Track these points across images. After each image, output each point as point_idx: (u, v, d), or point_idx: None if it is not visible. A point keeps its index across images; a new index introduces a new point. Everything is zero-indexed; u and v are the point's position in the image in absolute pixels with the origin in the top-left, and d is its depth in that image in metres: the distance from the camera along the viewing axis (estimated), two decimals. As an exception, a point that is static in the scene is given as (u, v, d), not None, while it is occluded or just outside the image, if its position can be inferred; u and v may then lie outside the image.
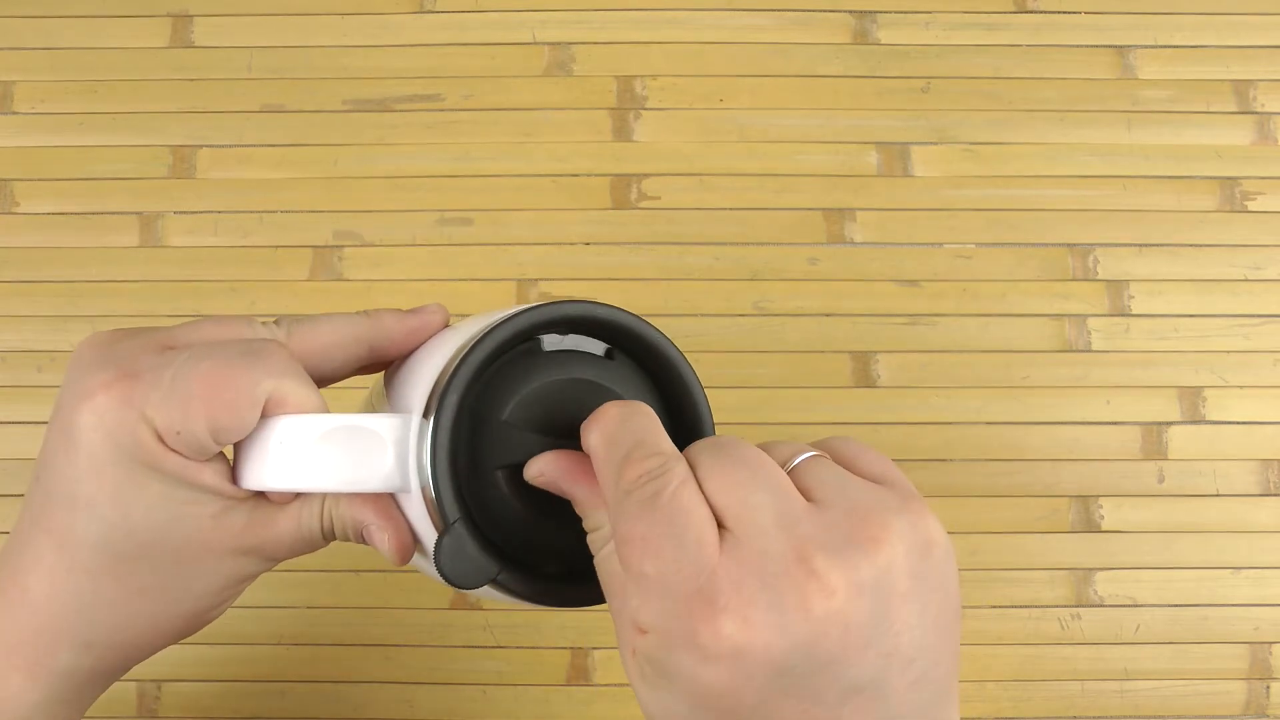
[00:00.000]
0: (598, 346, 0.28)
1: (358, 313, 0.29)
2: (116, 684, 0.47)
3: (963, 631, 0.49)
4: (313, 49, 0.53)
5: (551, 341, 0.28)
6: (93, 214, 0.52)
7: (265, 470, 0.26)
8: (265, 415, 0.26)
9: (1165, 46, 0.54)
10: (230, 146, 0.53)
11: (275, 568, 0.30)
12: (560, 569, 0.27)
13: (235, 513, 0.27)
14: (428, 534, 0.27)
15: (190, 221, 0.52)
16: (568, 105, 0.53)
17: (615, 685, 0.48)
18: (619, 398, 0.27)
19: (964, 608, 0.49)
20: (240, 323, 0.28)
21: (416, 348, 0.30)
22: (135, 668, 0.28)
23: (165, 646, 0.29)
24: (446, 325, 0.30)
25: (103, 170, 0.52)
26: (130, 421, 0.25)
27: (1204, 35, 0.54)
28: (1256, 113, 0.53)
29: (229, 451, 0.28)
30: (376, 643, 0.49)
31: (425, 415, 0.26)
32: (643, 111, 0.53)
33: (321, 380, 0.29)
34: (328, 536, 0.29)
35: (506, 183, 0.52)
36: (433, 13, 0.54)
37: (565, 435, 0.26)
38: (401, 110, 0.53)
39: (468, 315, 0.31)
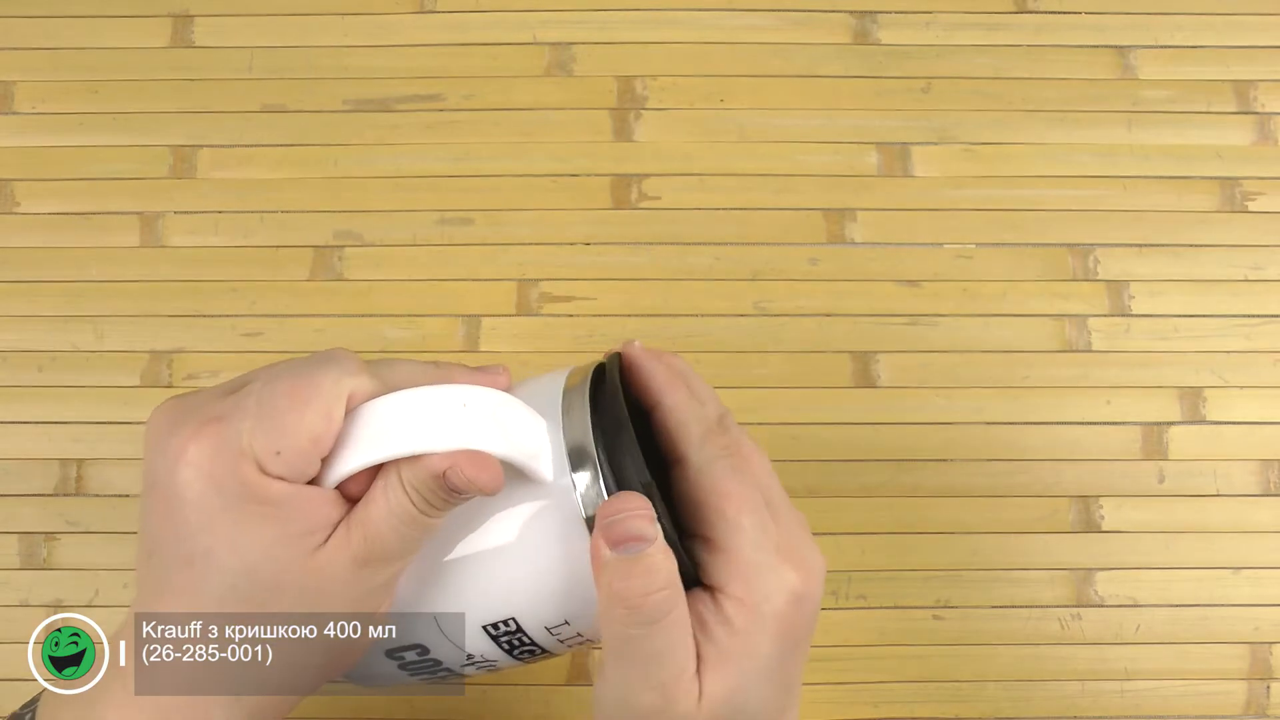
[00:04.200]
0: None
1: (429, 362, 0.29)
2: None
3: (964, 631, 0.49)
4: (313, 49, 0.53)
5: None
6: (93, 214, 0.52)
7: (364, 446, 0.25)
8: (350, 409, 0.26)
9: (1165, 46, 0.54)
10: (230, 146, 0.53)
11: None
12: None
13: (342, 528, 0.27)
14: (555, 534, 0.27)
15: (191, 221, 0.52)
16: (568, 105, 0.53)
17: (615, 685, 0.48)
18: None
19: (965, 607, 0.49)
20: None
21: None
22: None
23: (316, 686, 0.29)
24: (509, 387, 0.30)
25: (103, 170, 0.52)
26: (230, 461, 0.25)
27: (1204, 35, 0.54)
28: (1257, 113, 0.53)
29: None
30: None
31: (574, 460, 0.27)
32: (643, 111, 0.53)
33: None
34: (418, 503, 0.27)
35: (507, 183, 0.52)
36: (433, 13, 0.54)
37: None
38: (402, 110, 0.53)
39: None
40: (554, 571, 0.27)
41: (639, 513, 0.25)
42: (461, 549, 0.28)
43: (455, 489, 0.26)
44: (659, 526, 0.26)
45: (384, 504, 0.26)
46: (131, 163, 0.52)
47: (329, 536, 0.26)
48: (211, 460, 0.25)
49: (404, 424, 0.25)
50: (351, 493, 0.27)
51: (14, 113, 0.53)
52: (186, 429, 0.25)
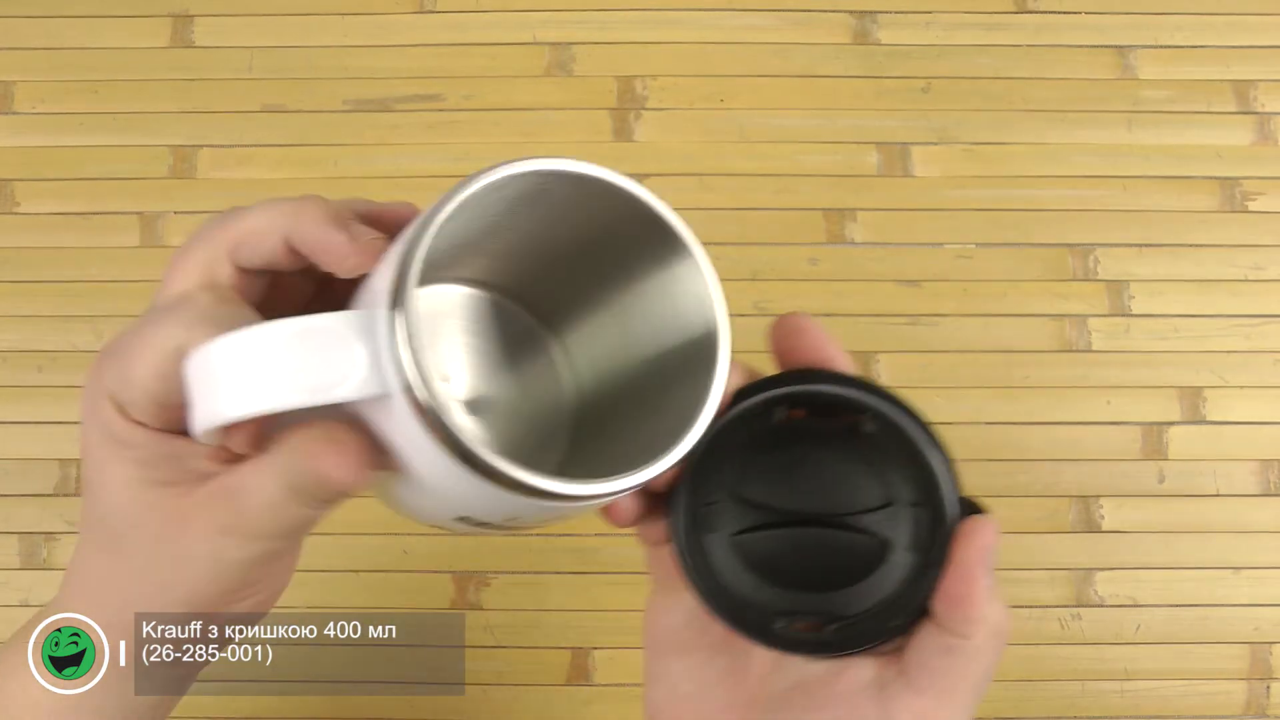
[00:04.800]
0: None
1: (291, 199, 0.26)
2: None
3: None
4: (313, 49, 0.53)
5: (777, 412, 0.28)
6: (93, 214, 0.52)
7: (212, 404, 0.23)
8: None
9: (1165, 46, 0.54)
10: (230, 146, 0.52)
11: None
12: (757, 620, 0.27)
13: (206, 486, 0.26)
14: (411, 444, 0.23)
15: (191, 221, 0.52)
16: (568, 105, 0.53)
17: (615, 685, 0.48)
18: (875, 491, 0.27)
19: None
20: (187, 249, 0.27)
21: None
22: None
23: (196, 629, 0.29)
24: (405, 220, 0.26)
25: (103, 170, 0.52)
26: (99, 399, 0.25)
27: (1204, 35, 0.54)
28: (1256, 113, 0.53)
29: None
30: (377, 643, 0.49)
31: (393, 306, 0.22)
32: (643, 111, 0.53)
33: (258, 270, 0.27)
34: (297, 501, 0.26)
35: (507, 183, 0.52)
36: (433, 13, 0.54)
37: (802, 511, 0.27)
38: (402, 110, 0.53)
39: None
40: (456, 477, 0.23)
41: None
42: (396, 469, 0.26)
43: (322, 485, 0.25)
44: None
45: (258, 481, 0.25)
46: (131, 163, 0.52)
47: (188, 491, 0.26)
48: (91, 395, 0.25)
49: (212, 386, 0.23)
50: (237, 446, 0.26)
51: (14, 113, 0.53)
52: (96, 361, 0.26)
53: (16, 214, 0.52)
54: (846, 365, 0.28)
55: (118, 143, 0.53)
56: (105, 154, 0.52)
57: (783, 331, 0.29)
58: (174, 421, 0.25)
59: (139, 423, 0.25)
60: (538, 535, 0.49)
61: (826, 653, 0.27)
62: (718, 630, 0.28)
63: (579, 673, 0.48)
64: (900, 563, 0.27)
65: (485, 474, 0.23)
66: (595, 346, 0.31)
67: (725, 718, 0.28)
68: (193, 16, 0.54)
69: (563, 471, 0.24)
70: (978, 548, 0.25)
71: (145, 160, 0.52)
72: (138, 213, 0.52)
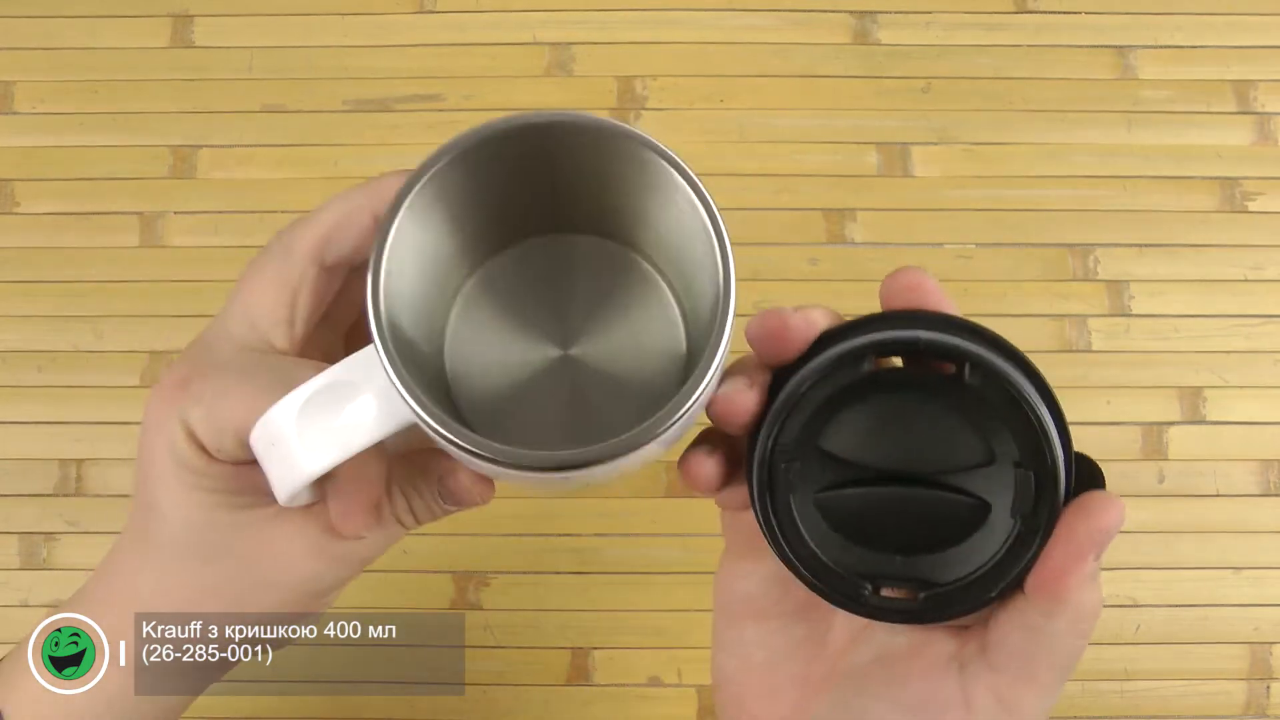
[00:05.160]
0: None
1: (363, 184, 0.28)
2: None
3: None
4: (313, 49, 0.53)
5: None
6: (93, 214, 0.52)
7: (277, 477, 0.25)
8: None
9: (1165, 46, 0.54)
10: (230, 146, 0.52)
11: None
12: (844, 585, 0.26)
13: (298, 513, 0.27)
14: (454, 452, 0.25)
15: (190, 221, 0.52)
16: (568, 105, 0.53)
17: (615, 685, 0.48)
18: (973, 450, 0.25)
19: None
20: (261, 273, 0.27)
21: None
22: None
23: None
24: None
25: (103, 170, 0.52)
26: (174, 430, 0.25)
27: (1204, 35, 0.54)
28: (1256, 113, 0.53)
29: None
30: (377, 643, 0.49)
31: (377, 339, 0.23)
32: (643, 112, 0.53)
33: (349, 262, 0.28)
34: (402, 517, 0.28)
35: (507, 183, 0.52)
36: (433, 13, 0.54)
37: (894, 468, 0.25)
38: (402, 110, 0.53)
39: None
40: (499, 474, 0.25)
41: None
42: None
43: (453, 495, 0.27)
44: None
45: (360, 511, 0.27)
46: (131, 163, 0.52)
47: (279, 516, 0.27)
48: (164, 423, 0.26)
49: (280, 459, 0.25)
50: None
51: (14, 113, 0.53)
52: (164, 383, 0.26)
53: (16, 214, 0.52)
54: (947, 307, 0.26)
55: (118, 143, 0.53)
56: (105, 154, 0.52)
57: (895, 288, 0.27)
58: (250, 456, 0.26)
59: (215, 458, 0.26)
60: (538, 535, 0.49)
61: (917, 621, 0.25)
62: (797, 597, 0.27)
63: (579, 673, 0.48)
64: (999, 527, 0.25)
65: (514, 467, 0.23)
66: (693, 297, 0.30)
67: (798, 691, 0.27)
68: (193, 16, 0.54)
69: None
70: (1095, 529, 0.23)
71: (145, 160, 0.52)
72: (138, 213, 0.52)
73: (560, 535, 0.49)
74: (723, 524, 0.29)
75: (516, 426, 0.27)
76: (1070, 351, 0.51)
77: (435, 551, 0.49)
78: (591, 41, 0.54)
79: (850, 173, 0.52)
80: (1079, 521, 0.23)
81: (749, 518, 0.26)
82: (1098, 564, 0.24)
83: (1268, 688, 0.48)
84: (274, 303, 0.27)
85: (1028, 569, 0.24)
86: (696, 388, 0.24)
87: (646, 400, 0.27)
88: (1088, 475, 0.25)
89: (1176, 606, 0.49)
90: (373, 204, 0.27)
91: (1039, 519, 0.24)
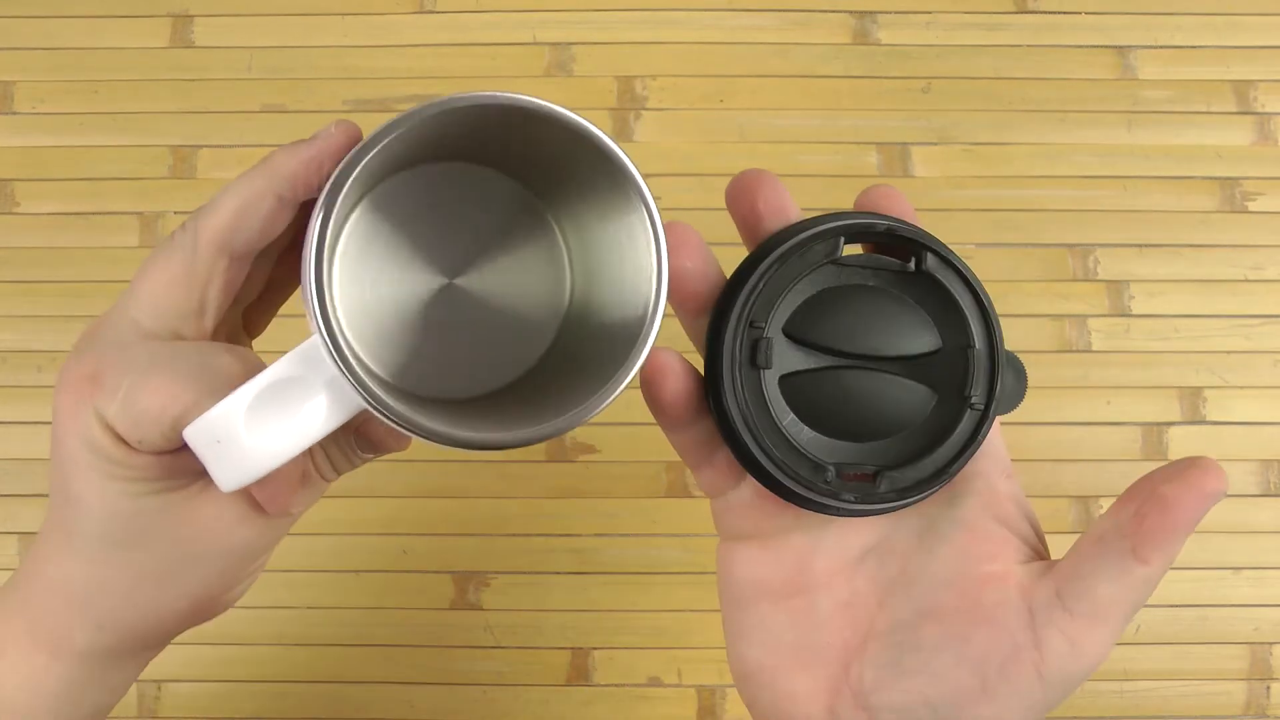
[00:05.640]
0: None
1: (258, 164, 0.27)
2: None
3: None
4: (313, 49, 0.53)
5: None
6: (93, 214, 0.52)
7: (226, 473, 0.25)
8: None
9: (1165, 46, 0.54)
10: (230, 146, 0.52)
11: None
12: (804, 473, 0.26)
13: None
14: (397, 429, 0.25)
15: (190, 221, 0.52)
16: (568, 105, 0.53)
17: (615, 685, 0.48)
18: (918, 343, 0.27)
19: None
20: (157, 267, 0.27)
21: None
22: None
23: (183, 628, 0.29)
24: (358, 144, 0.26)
25: (103, 170, 0.52)
26: (88, 422, 0.25)
27: (1204, 35, 0.54)
28: (1256, 113, 0.53)
29: None
30: (376, 643, 0.49)
31: (322, 330, 0.23)
32: (643, 112, 0.53)
33: (257, 248, 0.27)
34: (324, 472, 0.28)
35: (507, 183, 0.52)
36: (433, 13, 0.54)
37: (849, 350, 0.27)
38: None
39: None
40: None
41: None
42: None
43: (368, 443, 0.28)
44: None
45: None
46: (131, 163, 0.52)
47: (203, 492, 0.27)
48: (76, 416, 0.25)
49: (220, 457, 0.25)
50: None
51: (14, 113, 0.53)
52: (71, 372, 0.26)
53: (16, 214, 0.52)
54: (911, 217, 0.28)
55: (118, 143, 0.53)
56: (105, 154, 0.52)
57: (868, 198, 0.28)
58: (166, 447, 0.26)
59: (135, 449, 0.26)
60: (538, 535, 0.49)
61: (879, 503, 0.26)
62: (814, 569, 0.27)
63: (579, 673, 0.48)
64: (949, 411, 0.26)
65: (452, 444, 0.24)
66: (585, 249, 0.30)
67: (837, 660, 0.27)
68: (193, 16, 0.54)
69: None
70: (1203, 494, 0.24)
71: (145, 160, 0.52)
72: (137, 213, 0.52)
73: (560, 535, 0.49)
74: (714, 511, 0.29)
75: (407, 362, 0.28)
76: (1070, 351, 0.51)
77: (435, 551, 0.49)
78: (591, 41, 0.54)
79: (850, 173, 0.52)
80: (1191, 490, 0.24)
81: (737, 496, 0.27)
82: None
83: (1268, 688, 0.48)
84: (183, 297, 0.26)
85: (975, 448, 0.26)
86: (633, 365, 0.25)
87: (526, 343, 0.29)
88: (1015, 365, 0.27)
89: (1176, 606, 0.49)
90: (273, 186, 0.26)
91: (988, 400, 0.26)
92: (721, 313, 0.26)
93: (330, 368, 0.24)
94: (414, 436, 0.25)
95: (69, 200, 0.52)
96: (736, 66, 0.53)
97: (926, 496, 0.27)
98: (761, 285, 0.26)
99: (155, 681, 0.48)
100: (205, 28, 0.54)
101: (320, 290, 0.24)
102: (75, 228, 0.52)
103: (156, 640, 0.29)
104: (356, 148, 0.25)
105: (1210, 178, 0.52)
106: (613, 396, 0.25)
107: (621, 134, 0.53)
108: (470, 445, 0.24)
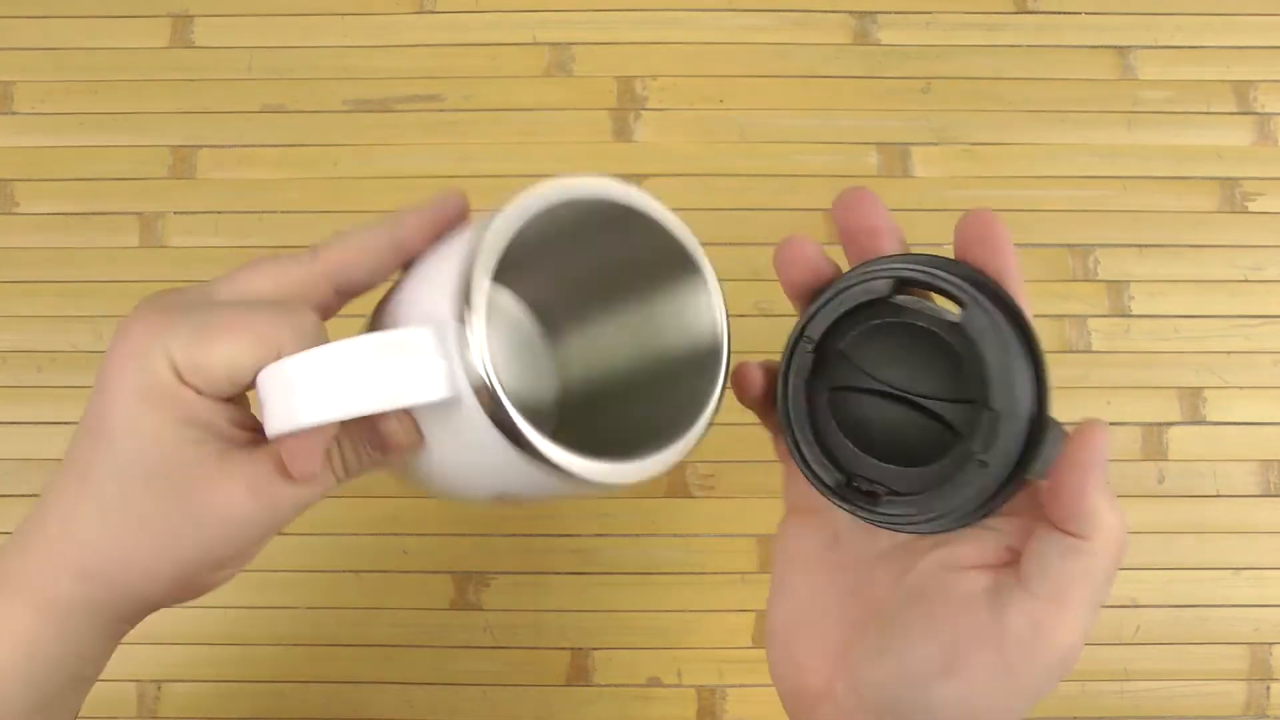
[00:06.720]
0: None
1: (384, 218, 0.30)
2: (116, 684, 0.47)
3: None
4: (313, 49, 0.53)
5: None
6: (93, 214, 0.52)
7: (296, 408, 0.26)
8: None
9: (1165, 47, 0.54)
10: (230, 146, 0.53)
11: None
12: (858, 488, 0.29)
13: (240, 454, 0.28)
14: (474, 439, 0.26)
15: (190, 221, 0.52)
16: (568, 106, 0.53)
17: (615, 685, 0.48)
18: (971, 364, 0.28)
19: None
20: (272, 263, 0.29)
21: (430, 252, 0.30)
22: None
23: (163, 599, 0.29)
24: (466, 216, 0.30)
25: (103, 170, 0.52)
26: (154, 355, 0.26)
27: (1204, 35, 0.54)
28: (1256, 113, 0.53)
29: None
30: (376, 643, 0.49)
31: (462, 319, 0.25)
32: (643, 112, 0.53)
33: (357, 289, 0.30)
34: (335, 468, 0.29)
35: (507, 183, 0.52)
36: (433, 13, 0.54)
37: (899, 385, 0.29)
38: (402, 111, 0.53)
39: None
40: (515, 468, 0.27)
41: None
42: (438, 450, 0.29)
43: (382, 452, 0.29)
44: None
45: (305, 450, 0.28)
46: (131, 163, 0.52)
47: (223, 456, 0.28)
48: (142, 350, 0.27)
49: (287, 399, 0.26)
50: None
51: (14, 113, 0.53)
52: (142, 314, 0.27)
53: (16, 214, 0.52)
54: (1007, 257, 0.28)
55: (118, 143, 0.53)
56: (105, 154, 0.52)
57: (968, 233, 0.29)
58: (223, 393, 0.27)
59: (191, 386, 0.27)
60: (538, 535, 0.49)
61: (866, 514, 0.29)
62: (850, 550, 0.30)
63: (579, 673, 0.48)
64: (963, 461, 0.27)
65: (548, 467, 0.26)
66: (592, 349, 0.34)
67: (843, 636, 0.29)
68: (193, 16, 0.54)
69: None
70: (1090, 448, 0.26)
71: (145, 160, 0.52)
72: (137, 213, 0.52)
73: (560, 535, 0.49)
74: (784, 484, 0.33)
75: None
76: (1070, 352, 0.51)
77: (435, 552, 0.49)
78: (591, 42, 0.54)
79: (850, 173, 0.52)
80: (1078, 446, 0.26)
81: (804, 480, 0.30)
82: (1105, 482, 0.26)
83: (1268, 688, 0.48)
84: (273, 294, 0.28)
85: (983, 508, 0.27)
86: (717, 384, 0.30)
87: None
88: (1056, 436, 0.27)
89: (1176, 607, 0.49)
90: (394, 239, 0.29)
91: (995, 461, 0.27)
92: (798, 329, 0.30)
93: (458, 347, 0.25)
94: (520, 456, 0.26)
95: (69, 200, 0.52)
96: (736, 67, 0.53)
97: (916, 531, 0.29)
98: (824, 308, 0.29)
99: (155, 681, 0.48)
100: (205, 28, 0.54)
101: (472, 284, 0.26)
102: (75, 228, 0.52)
103: (136, 606, 0.29)
104: (511, 212, 0.27)
105: (1210, 178, 0.52)
106: (710, 412, 0.29)
107: (621, 134, 0.53)
108: (596, 479, 0.27)
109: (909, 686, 0.27)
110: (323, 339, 0.28)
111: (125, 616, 0.29)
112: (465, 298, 0.25)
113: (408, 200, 0.54)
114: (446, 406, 0.26)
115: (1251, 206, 0.52)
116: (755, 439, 0.34)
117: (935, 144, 0.53)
